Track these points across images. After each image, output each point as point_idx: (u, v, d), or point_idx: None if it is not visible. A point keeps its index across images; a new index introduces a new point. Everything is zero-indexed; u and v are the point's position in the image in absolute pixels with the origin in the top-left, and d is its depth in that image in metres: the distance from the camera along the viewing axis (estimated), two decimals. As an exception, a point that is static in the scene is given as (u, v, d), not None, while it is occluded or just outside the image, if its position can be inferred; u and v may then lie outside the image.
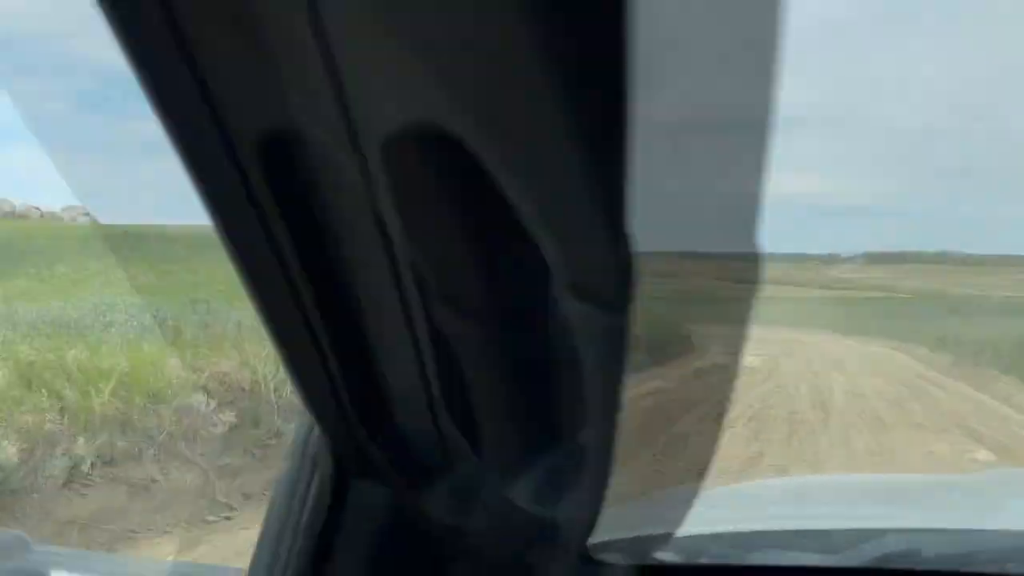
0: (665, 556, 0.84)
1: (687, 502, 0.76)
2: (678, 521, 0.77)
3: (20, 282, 27.59)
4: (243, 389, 7.38)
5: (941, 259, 39.05)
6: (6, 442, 5.77)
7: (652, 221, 0.48)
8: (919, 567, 0.87)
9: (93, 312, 9.76)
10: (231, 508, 5.84)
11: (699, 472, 0.70)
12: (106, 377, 6.79)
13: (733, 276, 0.62)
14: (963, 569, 0.88)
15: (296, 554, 0.68)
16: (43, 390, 6.47)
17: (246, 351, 7.74)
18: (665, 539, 0.81)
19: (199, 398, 7.03)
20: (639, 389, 0.59)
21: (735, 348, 0.63)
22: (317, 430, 0.67)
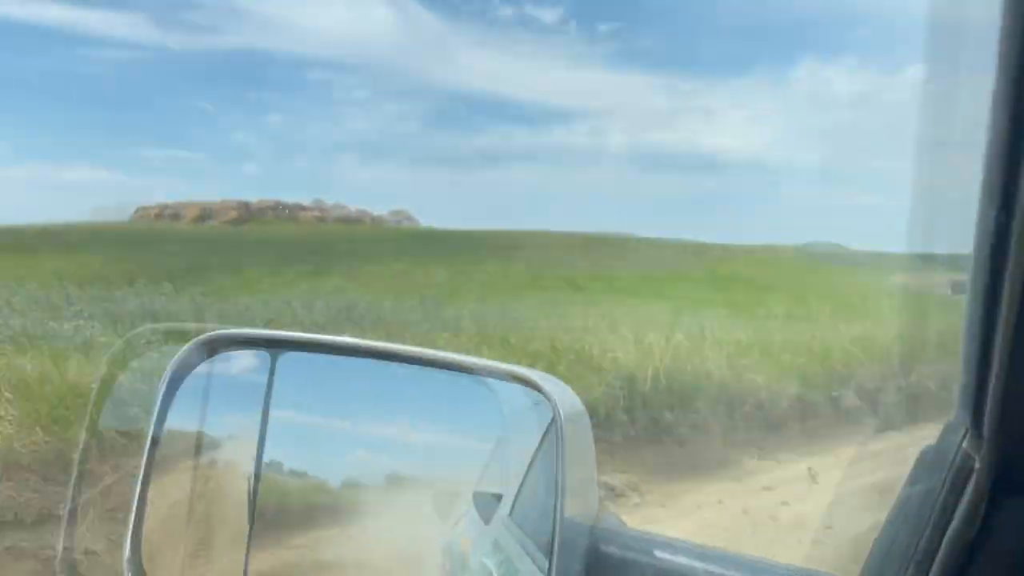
0: None
1: None
2: None
3: (334, 279, 31.41)
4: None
5: None
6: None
7: None
8: None
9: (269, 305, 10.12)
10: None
11: None
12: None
13: None
14: None
15: (937, 564, 0.69)
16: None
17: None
18: None
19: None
20: None
21: None
22: (972, 443, 0.67)
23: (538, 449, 0.91)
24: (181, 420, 1.03)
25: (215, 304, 12.42)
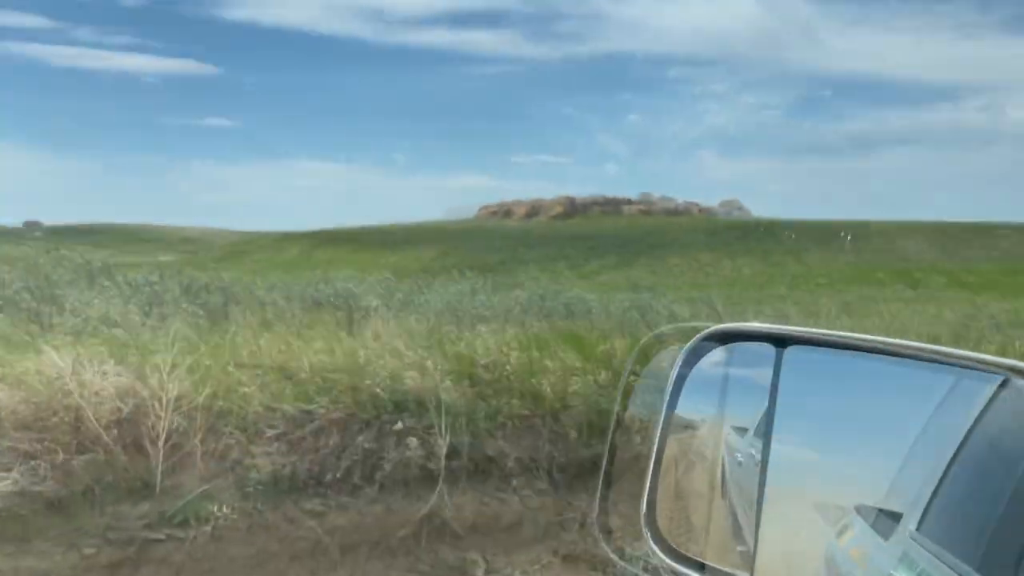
0: None
1: None
2: None
3: (634, 272, 30.95)
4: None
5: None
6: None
7: None
8: None
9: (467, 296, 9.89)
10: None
11: None
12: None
13: None
14: None
15: None
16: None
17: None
18: None
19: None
20: None
21: None
22: None
23: (958, 456, 0.90)
24: (688, 404, 1.19)
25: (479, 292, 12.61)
